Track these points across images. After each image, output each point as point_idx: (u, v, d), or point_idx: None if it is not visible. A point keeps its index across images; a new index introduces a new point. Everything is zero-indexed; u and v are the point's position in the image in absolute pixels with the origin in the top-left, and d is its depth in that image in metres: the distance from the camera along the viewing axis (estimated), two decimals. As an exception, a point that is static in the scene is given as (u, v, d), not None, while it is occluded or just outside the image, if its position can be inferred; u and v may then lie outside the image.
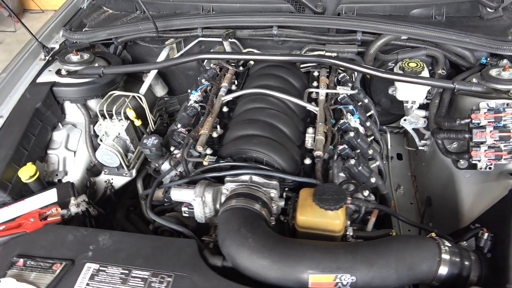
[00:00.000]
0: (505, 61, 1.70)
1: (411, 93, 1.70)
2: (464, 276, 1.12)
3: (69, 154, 1.74)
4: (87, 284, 1.08)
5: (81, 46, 2.00)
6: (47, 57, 1.93)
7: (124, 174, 1.72)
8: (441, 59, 1.80)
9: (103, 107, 1.65)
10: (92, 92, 1.76)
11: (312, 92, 1.75)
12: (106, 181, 1.75)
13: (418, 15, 1.85)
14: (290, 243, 1.12)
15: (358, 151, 1.44)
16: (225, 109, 1.69)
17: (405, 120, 1.78)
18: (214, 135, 1.56)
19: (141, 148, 1.49)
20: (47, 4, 5.69)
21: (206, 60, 2.12)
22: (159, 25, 1.88)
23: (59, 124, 1.79)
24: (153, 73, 2.01)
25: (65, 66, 1.82)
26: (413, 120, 1.77)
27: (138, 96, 1.80)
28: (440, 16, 1.83)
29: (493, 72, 1.58)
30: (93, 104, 1.82)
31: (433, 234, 1.22)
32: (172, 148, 1.56)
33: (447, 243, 1.14)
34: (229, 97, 1.72)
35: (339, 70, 1.82)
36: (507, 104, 1.43)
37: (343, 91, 1.65)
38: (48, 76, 1.81)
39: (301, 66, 1.98)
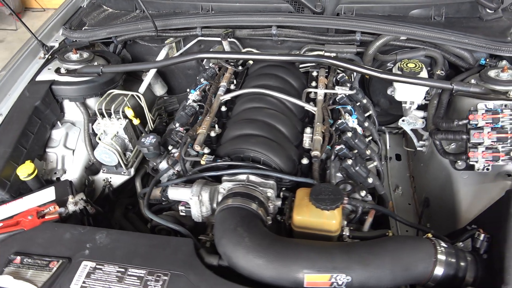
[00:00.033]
0: (504, 62, 1.70)
1: (409, 93, 1.70)
2: (460, 277, 1.12)
3: (67, 153, 1.75)
4: (84, 282, 1.09)
5: (80, 44, 2.01)
6: (46, 56, 1.94)
7: (122, 173, 1.72)
8: (440, 60, 1.80)
9: (101, 106, 1.65)
10: (91, 91, 1.77)
11: (310, 92, 1.75)
12: (104, 180, 1.75)
13: (417, 16, 1.85)
14: (286, 243, 1.13)
15: (356, 151, 1.45)
16: (223, 108, 1.69)
17: (403, 120, 1.78)
18: (212, 134, 1.56)
19: (139, 147, 1.50)
20: (48, 3, 5.70)
21: (205, 60, 2.12)
22: (158, 24, 1.88)
23: (58, 122, 1.80)
24: (152, 72, 2.02)
25: (64, 64, 1.83)
26: (412, 121, 1.77)
27: (137, 95, 1.80)
28: (439, 16, 1.83)
29: (492, 73, 1.58)
30: (92, 102, 1.82)
31: (430, 235, 1.22)
32: (170, 147, 1.57)
33: (443, 244, 1.14)
34: (228, 96, 1.72)
35: (338, 70, 1.82)
36: (505, 105, 1.43)
37: (342, 91, 1.65)
38: (47, 75, 1.81)
39: (300, 66, 1.98)
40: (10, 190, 1.48)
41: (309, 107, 1.63)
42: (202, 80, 1.83)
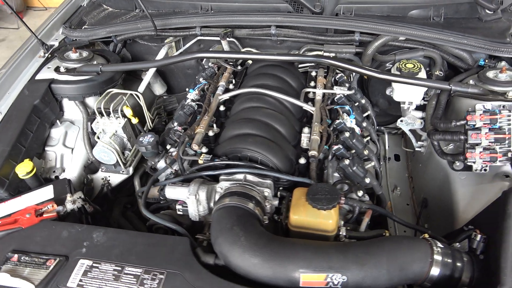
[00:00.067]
0: (503, 63, 1.70)
1: (407, 94, 1.70)
2: (456, 277, 1.12)
3: (66, 151, 1.75)
4: (80, 280, 1.09)
5: (80, 43, 2.02)
6: (46, 54, 1.94)
7: (121, 172, 1.73)
8: (438, 61, 1.80)
9: (100, 105, 1.66)
10: (90, 90, 1.77)
11: (309, 92, 1.75)
12: (103, 179, 1.76)
13: (416, 16, 1.85)
14: (282, 242, 1.13)
15: (353, 151, 1.44)
16: (222, 108, 1.69)
17: (401, 121, 1.78)
18: (210, 133, 1.57)
19: (137, 146, 1.50)
20: (50, 2, 5.71)
21: (205, 59, 2.13)
22: (157, 23, 1.89)
23: (57, 121, 1.80)
24: (151, 71, 2.03)
25: (64, 63, 1.83)
26: (410, 121, 1.77)
27: (136, 94, 1.80)
28: (438, 17, 1.82)
29: (490, 74, 1.58)
30: (91, 101, 1.83)
31: (426, 235, 1.22)
32: (168, 146, 1.57)
33: (439, 244, 1.14)
34: (226, 96, 1.72)
35: (337, 71, 1.82)
36: (503, 106, 1.43)
37: (340, 91, 1.65)
38: (46, 73, 1.82)
39: (299, 66, 1.98)
40: (9, 188, 1.49)
41: (307, 107, 1.63)
42: (201, 79, 1.83)
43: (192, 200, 1.33)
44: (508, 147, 1.39)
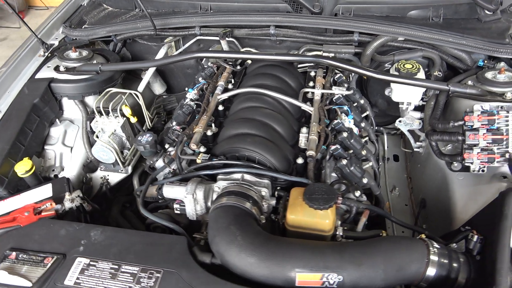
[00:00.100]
0: (502, 63, 1.70)
1: (406, 94, 1.70)
2: (452, 278, 1.11)
3: (66, 150, 1.76)
4: (77, 278, 1.09)
5: (80, 43, 2.02)
6: (46, 53, 1.95)
7: (119, 171, 1.74)
8: (437, 61, 1.80)
9: (100, 104, 1.66)
10: (90, 89, 1.78)
11: (308, 92, 1.75)
12: (102, 177, 1.77)
13: (416, 17, 1.85)
14: (278, 242, 1.13)
15: (351, 151, 1.45)
16: (220, 107, 1.70)
17: (400, 121, 1.79)
18: (209, 133, 1.57)
19: (136, 145, 1.51)
20: (52, 1, 5.73)
21: (204, 59, 2.13)
22: (157, 23, 1.89)
23: (57, 120, 1.81)
24: (151, 70, 2.03)
25: (63, 62, 1.84)
26: (408, 122, 1.77)
27: (135, 93, 1.81)
28: (437, 17, 1.82)
29: (489, 74, 1.57)
30: (91, 100, 1.83)
31: (423, 236, 1.22)
32: (166, 146, 1.58)
33: (436, 245, 1.14)
34: (225, 95, 1.73)
35: (336, 71, 1.82)
36: (501, 107, 1.43)
37: (339, 91, 1.66)
38: (46, 72, 1.83)
39: (298, 66, 1.98)
40: (8, 186, 1.49)
41: (305, 107, 1.64)
42: (200, 79, 1.84)
43: (189, 199, 1.34)
44: (505, 148, 1.39)
